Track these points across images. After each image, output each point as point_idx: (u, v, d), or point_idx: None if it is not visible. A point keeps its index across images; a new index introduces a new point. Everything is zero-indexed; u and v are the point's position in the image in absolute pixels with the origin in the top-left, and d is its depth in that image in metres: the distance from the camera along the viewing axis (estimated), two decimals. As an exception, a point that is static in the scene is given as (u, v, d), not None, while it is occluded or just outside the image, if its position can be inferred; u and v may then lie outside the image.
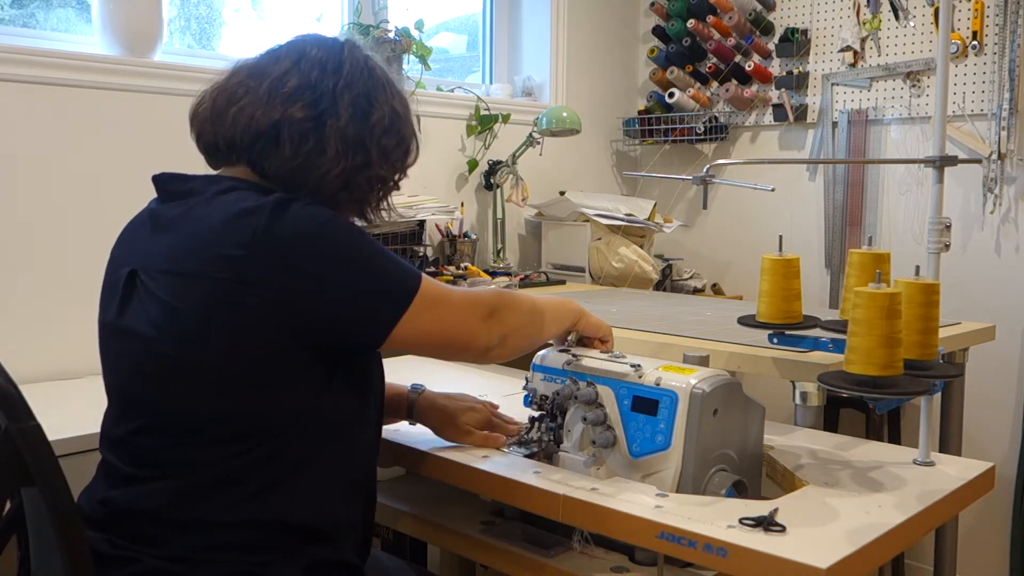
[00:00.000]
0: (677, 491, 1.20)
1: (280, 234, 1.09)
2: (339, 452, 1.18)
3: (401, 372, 1.99)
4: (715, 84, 3.21)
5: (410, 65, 2.79)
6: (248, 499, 1.11)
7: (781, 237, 1.62)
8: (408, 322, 1.16)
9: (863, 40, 2.91)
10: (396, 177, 1.34)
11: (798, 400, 1.62)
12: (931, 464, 1.33)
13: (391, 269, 1.17)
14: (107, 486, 1.18)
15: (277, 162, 1.20)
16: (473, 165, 3.00)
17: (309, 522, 1.14)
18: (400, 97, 1.32)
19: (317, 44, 1.26)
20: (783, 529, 1.05)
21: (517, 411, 1.53)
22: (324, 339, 1.13)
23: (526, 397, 1.41)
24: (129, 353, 1.17)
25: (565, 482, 1.22)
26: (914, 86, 2.80)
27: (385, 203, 1.35)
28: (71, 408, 1.29)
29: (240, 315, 1.09)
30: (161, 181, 1.25)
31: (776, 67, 3.12)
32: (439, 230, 2.88)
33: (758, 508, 1.13)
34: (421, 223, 2.62)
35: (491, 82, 3.30)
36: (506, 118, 3.02)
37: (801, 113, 3.05)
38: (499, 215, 2.96)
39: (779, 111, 3.08)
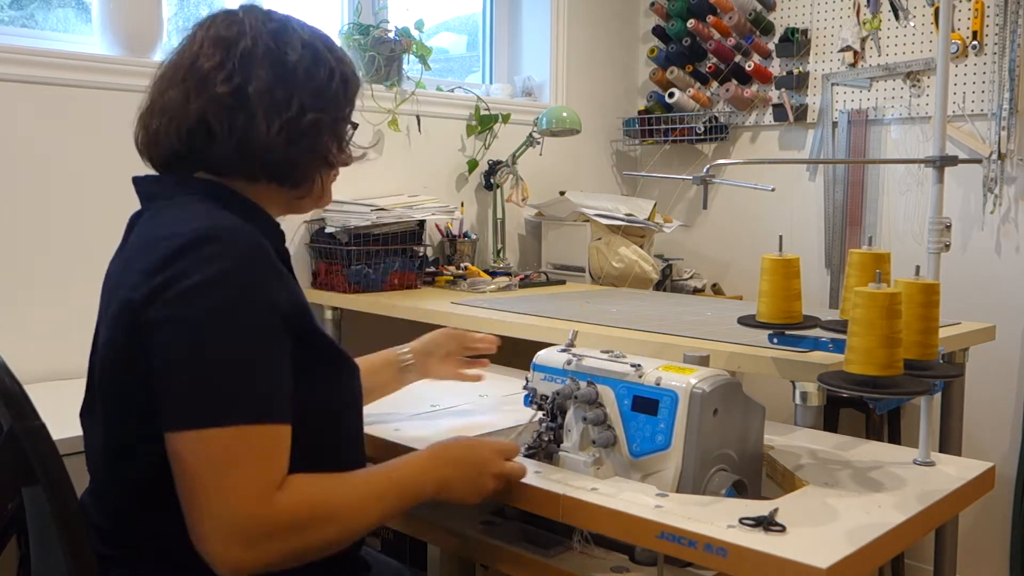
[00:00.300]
0: (677, 491, 1.20)
1: (170, 277, 1.01)
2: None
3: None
4: (715, 84, 3.21)
5: (410, 65, 2.79)
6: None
7: (781, 237, 1.62)
8: (187, 442, 0.97)
9: (863, 40, 2.91)
10: (345, 111, 1.22)
11: (798, 400, 1.62)
12: (931, 464, 1.33)
13: (228, 379, 0.99)
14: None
15: (219, 152, 1.13)
16: (473, 165, 3.00)
17: None
18: (310, 30, 1.21)
19: (212, 21, 1.19)
20: (783, 529, 1.05)
21: (518, 411, 1.53)
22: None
23: (526, 397, 1.41)
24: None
25: (565, 482, 1.22)
26: (914, 86, 2.80)
27: (347, 144, 1.24)
28: (73, 408, 1.29)
29: (128, 339, 1.03)
30: (136, 183, 1.21)
31: (776, 67, 3.12)
32: (439, 230, 2.88)
33: (758, 508, 1.13)
34: (421, 223, 2.62)
35: (491, 82, 3.30)
36: (506, 118, 3.02)
37: (801, 113, 3.05)
38: (499, 215, 2.96)
39: (779, 111, 3.08)
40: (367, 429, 1.48)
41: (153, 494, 1.05)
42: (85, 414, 1.17)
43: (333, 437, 1.17)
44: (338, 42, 2.64)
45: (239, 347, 1.00)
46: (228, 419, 0.98)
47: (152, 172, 1.21)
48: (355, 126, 1.25)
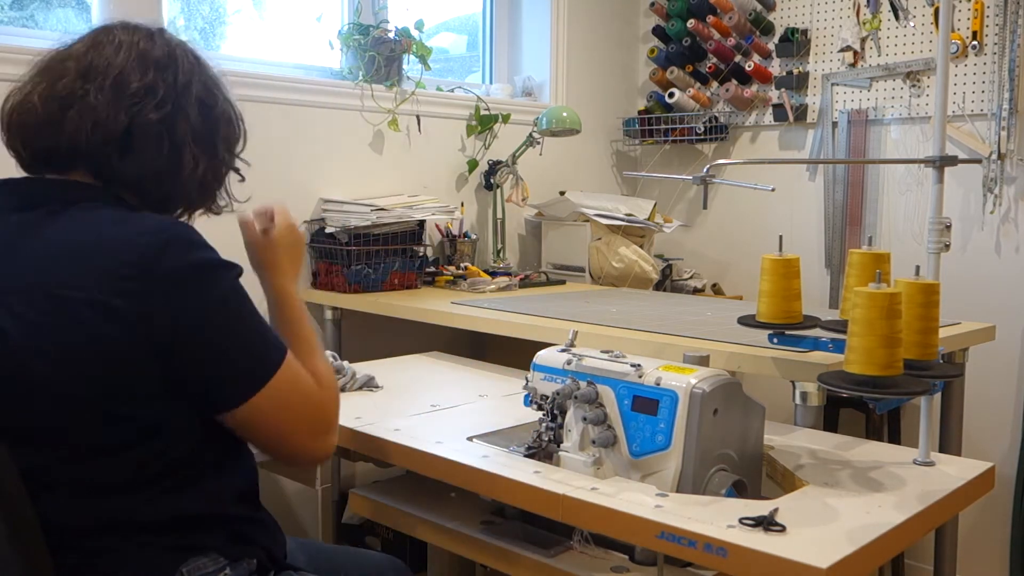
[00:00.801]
0: (677, 491, 1.20)
1: (170, 269, 1.06)
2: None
3: (400, 373, 1.99)
4: (715, 84, 3.21)
5: (410, 65, 2.79)
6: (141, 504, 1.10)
7: (781, 237, 1.62)
8: (263, 399, 1.13)
9: (863, 40, 2.91)
10: (235, 165, 1.30)
11: (798, 400, 1.62)
12: (931, 464, 1.33)
13: (261, 333, 1.15)
14: None
15: (132, 168, 1.15)
16: (473, 165, 3.00)
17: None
18: (222, 81, 1.27)
19: (134, 32, 1.19)
20: (783, 529, 1.05)
21: (517, 411, 1.54)
22: (180, 384, 1.09)
23: (526, 397, 1.41)
24: None
25: (565, 482, 1.22)
26: (914, 86, 2.80)
27: (225, 191, 1.32)
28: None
29: (103, 338, 1.04)
30: (11, 186, 1.17)
31: (776, 67, 3.12)
32: (439, 230, 2.88)
33: (758, 508, 1.13)
34: (421, 223, 2.62)
35: (491, 82, 3.30)
36: (506, 118, 3.02)
37: (801, 113, 3.05)
38: (499, 215, 2.96)
39: (779, 111, 3.08)
40: (367, 430, 1.48)
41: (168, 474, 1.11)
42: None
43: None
44: (338, 42, 2.67)
45: (248, 311, 1.13)
46: (278, 363, 1.14)
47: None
48: (239, 176, 1.33)
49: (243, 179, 1.32)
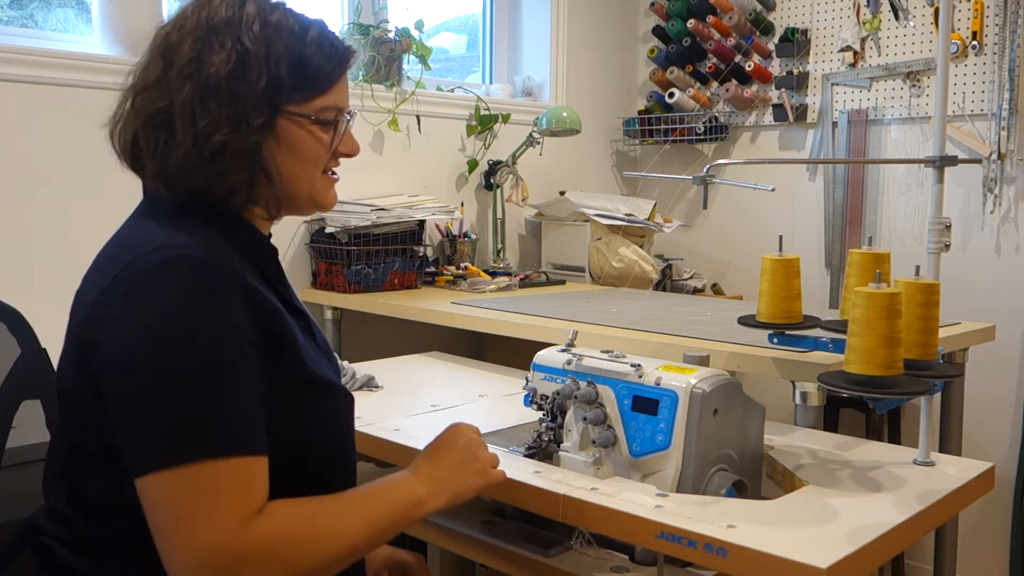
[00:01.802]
0: (677, 491, 1.20)
1: (134, 290, 0.97)
2: None
3: (400, 373, 1.99)
4: (715, 84, 3.21)
5: (410, 65, 2.79)
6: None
7: (781, 237, 1.62)
8: (155, 483, 0.93)
9: (863, 40, 2.91)
10: (295, 109, 1.09)
11: (798, 400, 1.61)
12: (931, 464, 1.33)
13: (199, 418, 0.94)
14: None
15: (151, 171, 1.07)
16: (473, 165, 3.00)
17: None
18: (255, 24, 1.07)
19: (169, 21, 1.11)
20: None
21: (517, 411, 1.53)
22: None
23: (526, 397, 1.41)
24: None
25: (565, 482, 1.22)
26: (914, 86, 2.80)
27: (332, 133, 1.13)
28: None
29: (79, 354, 1.01)
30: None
31: (776, 67, 3.12)
32: (439, 230, 2.88)
33: (758, 508, 1.13)
34: (421, 223, 2.62)
35: (491, 82, 3.30)
36: (506, 118, 3.02)
37: (801, 113, 3.05)
38: (499, 215, 2.96)
39: (779, 111, 3.08)
40: (367, 430, 1.48)
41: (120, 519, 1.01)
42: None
43: (317, 465, 1.10)
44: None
45: (199, 378, 0.95)
46: (196, 455, 0.92)
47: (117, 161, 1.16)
48: (322, 123, 1.12)
49: (333, 124, 1.12)
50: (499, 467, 1.19)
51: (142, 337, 0.95)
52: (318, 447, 1.10)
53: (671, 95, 3.24)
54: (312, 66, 1.10)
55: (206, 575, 0.92)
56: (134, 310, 0.96)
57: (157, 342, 0.94)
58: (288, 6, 1.14)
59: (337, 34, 1.16)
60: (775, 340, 1.61)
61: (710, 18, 3.12)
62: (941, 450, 1.99)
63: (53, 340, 2.04)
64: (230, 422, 0.95)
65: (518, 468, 1.28)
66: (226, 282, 0.99)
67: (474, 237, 2.92)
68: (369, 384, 1.79)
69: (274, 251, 1.17)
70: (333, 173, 1.18)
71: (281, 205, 1.13)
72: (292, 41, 1.09)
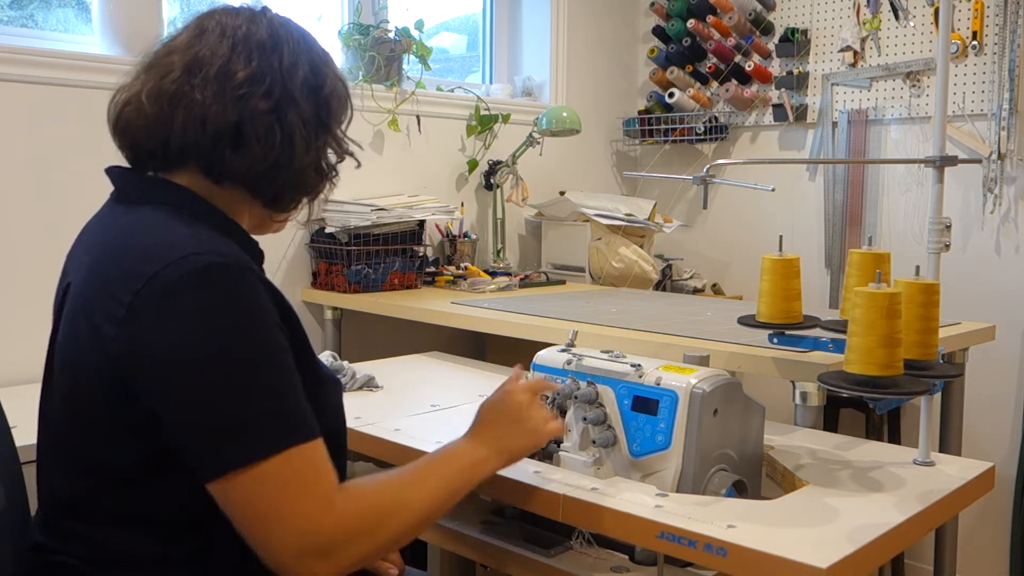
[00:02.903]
0: (677, 491, 1.20)
1: (167, 302, 0.96)
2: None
3: (400, 373, 1.99)
4: (715, 84, 3.21)
5: (410, 65, 2.79)
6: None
7: (781, 237, 1.62)
8: (233, 482, 0.95)
9: (863, 40, 2.91)
10: (347, 146, 1.22)
11: (798, 400, 1.62)
12: (931, 464, 1.33)
13: (262, 412, 0.97)
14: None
15: (245, 163, 1.08)
16: (473, 165, 3.00)
17: None
18: (329, 57, 1.19)
19: (235, 17, 1.13)
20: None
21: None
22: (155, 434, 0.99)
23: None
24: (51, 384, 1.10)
25: (565, 482, 1.22)
26: (914, 86, 2.80)
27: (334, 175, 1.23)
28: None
29: (96, 360, 1.00)
30: (113, 177, 1.14)
31: (776, 67, 3.12)
32: (439, 230, 2.88)
33: (758, 508, 1.13)
34: (421, 223, 2.62)
35: (491, 82, 3.30)
36: (506, 118, 3.02)
37: (801, 113, 3.05)
38: (499, 215, 2.96)
39: (779, 111, 3.08)
40: (367, 430, 1.48)
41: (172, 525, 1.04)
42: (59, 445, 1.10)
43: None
44: (338, 43, 2.67)
45: (259, 376, 0.98)
46: (273, 448, 0.96)
47: (119, 160, 1.15)
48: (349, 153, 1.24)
49: (359, 164, 1.27)
50: (554, 423, 1.22)
51: (196, 348, 0.96)
52: (327, 436, 1.11)
53: (671, 95, 3.25)
54: (347, 102, 1.22)
55: (305, 560, 0.96)
56: (179, 324, 0.96)
57: (212, 350, 0.96)
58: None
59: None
60: (775, 340, 1.61)
61: (710, 18, 3.12)
62: (941, 450, 1.99)
63: (36, 340, 2.05)
64: (295, 411, 0.99)
65: (518, 468, 1.28)
66: (255, 282, 1.02)
67: (474, 237, 2.92)
68: (369, 384, 1.79)
69: (263, 254, 1.20)
70: None
71: (278, 223, 1.23)
72: (345, 87, 1.21)
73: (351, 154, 1.22)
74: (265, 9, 1.16)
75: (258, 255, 1.17)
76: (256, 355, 0.98)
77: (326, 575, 0.98)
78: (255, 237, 1.19)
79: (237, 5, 1.17)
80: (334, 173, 1.20)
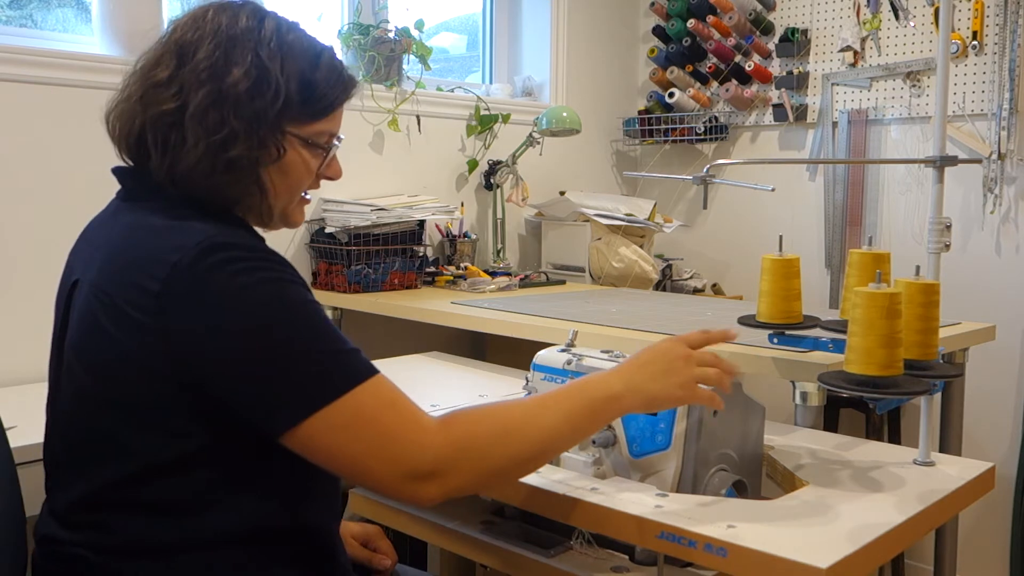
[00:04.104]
0: (677, 491, 1.20)
1: (197, 281, 0.99)
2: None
3: (400, 373, 1.99)
4: (715, 84, 3.21)
5: (410, 65, 2.79)
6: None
7: (781, 237, 1.62)
8: (313, 428, 0.98)
9: (863, 40, 2.91)
10: (294, 129, 1.11)
11: (798, 400, 1.61)
12: (931, 464, 1.33)
13: (320, 356, 1.00)
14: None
15: (155, 170, 1.07)
16: (473, 165, 3.00)
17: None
18: (273, 42, 1.09)
19: (185, 17, 1.11)
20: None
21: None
22: (213, 411, 1.02)
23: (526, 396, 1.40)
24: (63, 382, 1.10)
25: (565, 482, 1.22)
26: (914, 86, 2.80)
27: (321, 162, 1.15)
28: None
29: (135, 356, 1.01)
30: (120, 176, 1.16)
31: (776, 67, 3.12)
32: (439, 230, 2.88)
33: (758, 508, 1.13)
34: (421, 223, 2.62)
35: (491, 82, 3.30)
36: (506, 118, 3.02)
37: (801, 113, 3.05)
38: (499, 215, 2.96)
39: (779, 111, 3.08)
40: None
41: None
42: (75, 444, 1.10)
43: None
44: (337, 42, 2.67)
45: (315, 326, 1.01)
46: (341, 389, 0.99)
47: (119, 160, 1.15)
48: (321, 148, 1.15)
49: (325, 150, 1.15)
50: (705, 391, 1.14)
51: (243, 315, 0.98)
52: None
53: (671, 95, 3.25)
54: (318, 91, 1.12)
55: (412, 484, 1.00)
56: (219, 300, 0.98)
57: (259, 311, 0.99)
58: (303, 28, 1.16)
59: (344, 64, 1.18)
60: (775, 340, 1.61)
61: (710, 18, 3.12)
62: (941, 450, 1.99)
63: (35, 340, 2.05)
64: (352, 352, 1.03)
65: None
66: (270, 254, 1.04)
67: (474, 237, 2.91)
68: (369, 384, 1.79)
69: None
70: (306, 194, 1.21)
71: (256, 217, 1.16)
72: (304, 63, 1.11)
73: (317, 144, 1.14)
74: (223, 6, 1.12)
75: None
76: (306, 309, 1.01)
77: (435, 495, 1.01)
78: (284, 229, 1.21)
79: (209, 4, 1.14)
80: (261, 170, 1.10)
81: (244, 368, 0.99)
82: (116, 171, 1.16)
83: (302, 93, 1.10)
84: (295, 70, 1.10)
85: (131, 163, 1.14)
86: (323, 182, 1.21)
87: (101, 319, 1.03)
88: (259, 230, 1.18)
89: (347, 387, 1.00)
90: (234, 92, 1.06)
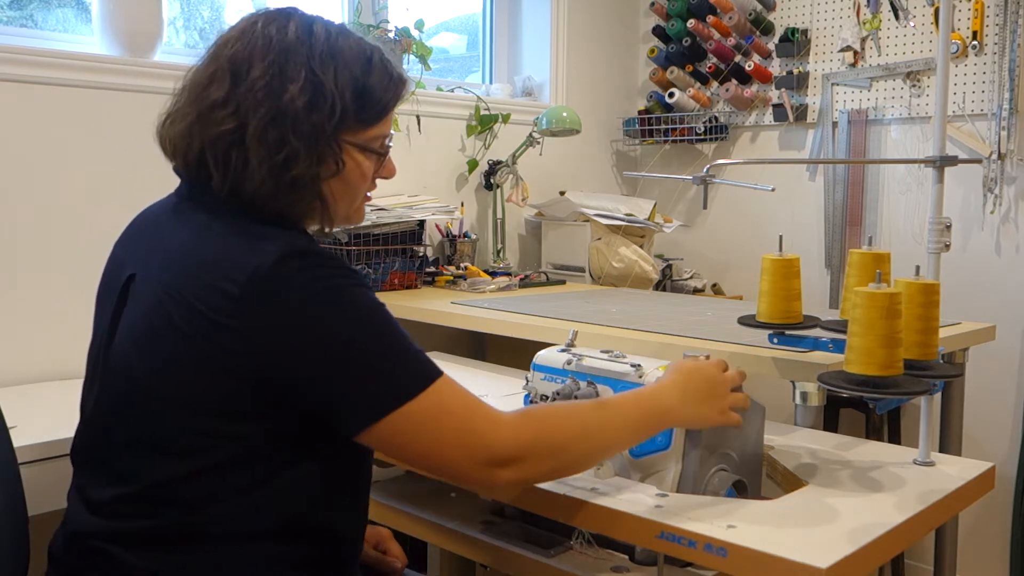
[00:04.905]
0: (677, 491, 1.20)
1: (279, 284, 1.01)
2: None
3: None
4: (715, 84, 3.21)
5: (410, 65, 2.79)
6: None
7: (781, 237, 1.62)
8: (392, 425, 1.03)
9: (863, 40, 2.91)
10: (351, 138, 1.12)
11: (798, 400, 1.61)
12: (931, 464, 1.33)
13: (397, 358, 1.04)
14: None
15: (217, 189, 1.09)
16: (473, 165, 3.00)
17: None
18: (324, 51, 1.09)
19: (234, 31, 1.11)
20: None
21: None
22: (289, 405, 1.04)
23: (526, 397, 1.41)
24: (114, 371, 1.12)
25: (565, 482, 1.22)
26: (914, 86, 2.80)
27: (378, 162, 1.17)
28: (62, 411, 1.29)
29: (207, 354, 1.02)
30: (183, 175, 1.16)
31: (776, 67, 3.12)
32: (439, 230, 2.88)
33: (758, 508, 1.13)
34: (421, 223, 2.62)
35: (491, 82, 3.30)
36: (506, 118, 3.02)
37: (801, 113, 3.05)
38: (499, 215, 2.96)
39: (779, 111, 3.08)
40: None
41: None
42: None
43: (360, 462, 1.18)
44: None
45: (389, 328, 1.05)
46: (412, 392, 1.03)
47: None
48: (379, 151, 1.17)
49: (381, 155, 1.16)
50: (736, 415, 1.22)
51: (317, 333, 1.01)
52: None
53: (671, 95, 3.24)
54: (373, 97, 1.12)
55: (490, 470, 1.04)
56: (295, 315, 1.01)
57: (331, 329, 1.01)
58: (348, 29, 1.16)
59: (395, 63, 1.17)
60: (775, 340, 1.61)
61: (710, 18, 3.12)
62: (941, 450, 1.99)
63: (35, 339, 2.05)
64: (420, 354, 1.07)
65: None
66: (340, 261, 1.07)
67: (474, 237, 2.91)
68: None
69: None
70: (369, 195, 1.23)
71: (317, 221, 1.17)
72: (357, 70, 1.11)
73: (374, 151, 1.16)
74: (269, 18, 1.12)
75: None
76: (379, 313, 1.05)
77: (513, 480, 1.05)
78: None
79: (254, 15, 1.14)
80: (322, 185, 1.11)
81: (324, 368, 1.02)
82: (177, 169, 1.17)
83: (357, 101, 1.10)
84: (348, 78, 1.10)
85: (187, 178, 1.15)
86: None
87: (173, 317, 1.04)
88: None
89: (421, 387, 1.04)
90: (292, 109, 1.06)
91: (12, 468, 1.22)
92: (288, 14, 1.13)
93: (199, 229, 1.09)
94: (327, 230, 1.19)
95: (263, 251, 1.02)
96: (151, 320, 1.06)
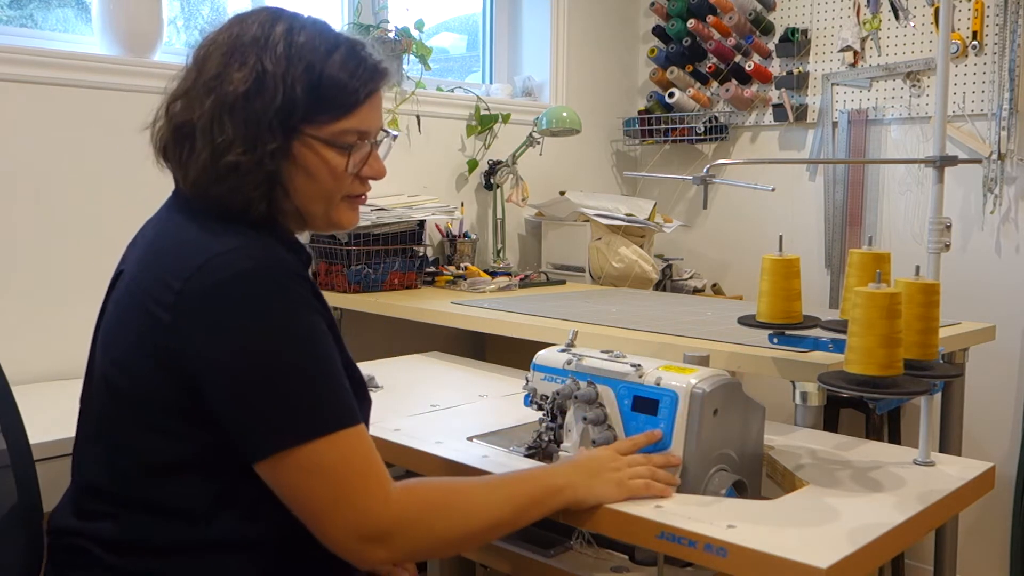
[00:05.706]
0: (677, 491, 1.20)
1: (215, 288, 1.00)
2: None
3: (400, 373, 1.99)
4: (715, 84, 3.21)
5: (410, 65, 2.79)
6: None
7: (781, 237, 1.62)
8: (295, 459, 0.99)
9: (863, 40, 2.91)
10: (312, 131, 1.09)
11: (798, 400, 1.61)
12: (931, 464, 1.33)
13: (317, 390, 1.01)
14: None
15: (177, 178, 1.11)
16: (473, 165, 3.00)
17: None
18: (279, 43, 1.08)
19: (212, 32, 1.13)
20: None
21: (517, 411, 1.53)
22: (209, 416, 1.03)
23: (526, 396, 1.41)
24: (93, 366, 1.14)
25: (565, 482, 1.22)
26: (914, 86, 2.80)
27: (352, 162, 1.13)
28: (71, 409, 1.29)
29: (151, 349, 1.03)
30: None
31: (776, 67, 3.12)
32: (439, 230, 2.88)
33: (758, 508, 1.13)
34: (421, 223, 2.62)
35: (491, 82, 3.30)
36: (506, 118, 3.02)
37: (801, 113, 3.05)
38: (499, 215, 2.96)
39: (779, 111, 3.08)
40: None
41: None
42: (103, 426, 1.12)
43: None
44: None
45: (307, 365, 1.01)
46: (319, 431, 0.99)
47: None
48: (341, 147, 1.12)
49: (345, 149, 1.11)
50: (653, 486, 1.16)
51: (243, 336, 0.99)
52: None
53: (671, 95, 3.25)
54: (333, 88, 1.09)
55: (362, 544, 1.00)
56: (226, 314, 1.00)
57: (259, 339, 0.99)
58: (324, 25, 1.14)
59: (372, 55, 1.14)
60: (775, 340, 1.61)
61: (710, 18, 3.12)
62: (941, 450, 1.99)
63: (39, 337, 2.05)
64: (344, 396, 1.03)
65: (518, 468, 1.27)
66: (293, 277, 1.05)
67: (474, 237, 2.92)
68: (369, 384, 1.79)
69: (310, 257, 1.21)
70: (359, 195, 1.19)
71: (301, 220, 1.16)
72: (314, 62, 1.08)
73: (338, 145, 1.12)
74: (251, 16, 1.12)
75: (305, 259, 1.19)
76: (302, 344, 1.01)
77: (383, 559, 1.02)
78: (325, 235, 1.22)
79: (241, 14, 1.15)
80: (262, 178, 1.08)
81: (238, 387, 1.00)
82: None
83: (313, 92, 1.08)
84: (303, 70, 1.08)
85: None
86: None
87: (131, 309, 1.06)
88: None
89: (332, 428, 1.00)
90: (233, 95, 1.06)
91: (28, 464, 1.23)
92: (258, 12, 1.13)
93: (171, 226, 1.11)
94: (311, 227, 1.18)
95: (210, 250, 1.02)
96: (119, 314, 1.09)
